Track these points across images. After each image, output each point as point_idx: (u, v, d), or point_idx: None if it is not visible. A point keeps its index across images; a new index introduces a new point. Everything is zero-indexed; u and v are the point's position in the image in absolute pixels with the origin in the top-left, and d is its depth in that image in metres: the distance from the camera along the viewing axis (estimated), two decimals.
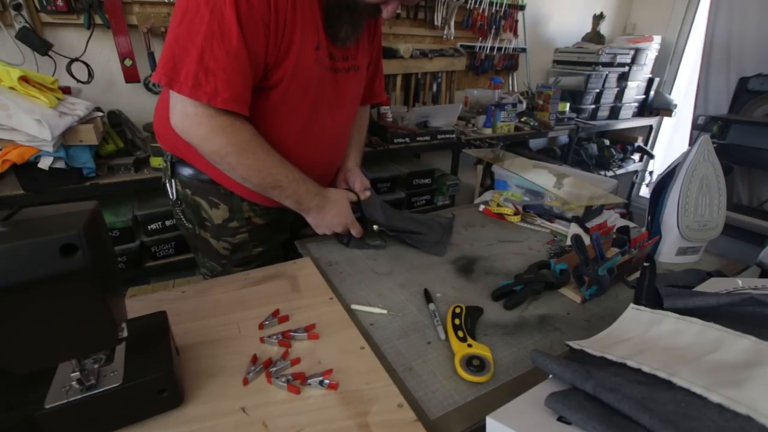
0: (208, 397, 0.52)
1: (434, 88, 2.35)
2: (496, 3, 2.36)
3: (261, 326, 0.65)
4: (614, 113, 2.90)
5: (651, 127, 3.20)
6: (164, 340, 0.51)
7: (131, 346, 0.50)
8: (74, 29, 1.46)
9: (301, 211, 0.90)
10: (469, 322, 0.67)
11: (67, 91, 1.36)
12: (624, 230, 0.92)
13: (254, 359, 0.57)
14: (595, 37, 2.95)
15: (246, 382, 0.54)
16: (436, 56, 2.22)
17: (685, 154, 0.89)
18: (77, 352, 0.43)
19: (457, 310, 0.68)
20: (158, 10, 1.54)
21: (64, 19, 1.42)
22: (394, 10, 0.81)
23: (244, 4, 0.68)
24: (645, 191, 3.35)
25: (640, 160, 3.29)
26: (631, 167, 3.17)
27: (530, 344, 0.65)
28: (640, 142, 3.19)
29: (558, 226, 1.08)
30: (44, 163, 1.20)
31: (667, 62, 3.11)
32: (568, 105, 2.66)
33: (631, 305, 0.58)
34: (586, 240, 0.83)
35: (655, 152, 3.28)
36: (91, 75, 1.51)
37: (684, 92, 3.18)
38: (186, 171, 0.92)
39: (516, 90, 2.76)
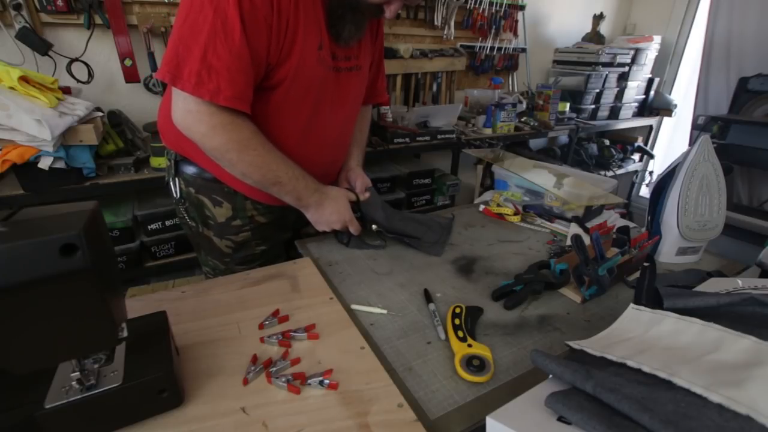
0: (208, 397, 0.52)
1: (434, 88, 2.35)
2: (496, 3, 2.36)
3: (261, 326, 0.65)
4: (614, 113, 2.90)
5: (651, 127, 3.20)
6: (164, 340, 0.51)
7: (131, 346, 0.50)
8: (74, 29, 1.46)
9: (301, 207, 0.90)
10: (469, 322, 0.67)
11: (67, 91, 1.36)
12: (624, 230, 0.92)
13: (254, 359, 0.57)
14: (595, 37, 2.95)
15: (246, 382, 0.54)
16: (436, 56, 2.22)
17: (685, 154, 0.89)
18: (77, 352, 0.43)
19: (457, 310, 0.68)
20: (158, 10, 1.54)
21: (64, 19, 1.42)
22: (397, 9, 0.81)
23: (247, 3, 0.68)
24: (645, 191, 3.35)
25: (640, 160, 3.29)
26: (631, 167, 3.17)
27: (530, 344, 0.65)
28: (640, 142, 3.19)
29: (558, 226, 1.08)
30: (44, 163, 1.20)
31: (667, 62, 3.11)
32: (568, 105, 2.66)
33: (631, 305, 0.58)
34: (586, 240, 0.83)
35: (655, 152, 3.28)
36: (91, 75, 1.51)
37: (684, 92, 3.18)
38: (189, 169, 0.92)
39: (516, 90, 2.76)
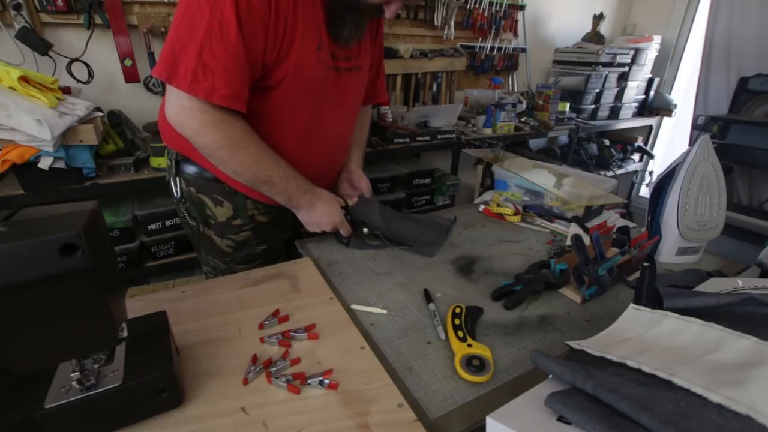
0: (208, 397, 0.52)
1: (434, 88, 2.35)
2: (496, 3, 2.36)
3: (261, 326, 0.65)
4: (614, 113, 2.90)
5: (651, 127, 3.20)
6: (164, 340, 0.51)
7: (131, 346, 0.50)
8: (74, 29, 1.46)
9: (292, 207, 0.91)
10: (469, 322, 0.67)
11: (67, 91, 1.36)
12: (624, 230, 0.92)
13: (254, 359, 0.57)
14: (595, 37, 2.95)
15: (246, 382, 0.54)
16: (436, 56, 2.22)
17: (685, 154, 0.89)
18: (77, 352, 0.43)
19: (457, 310, 0.68)
20: (158, 10, 1.54)
21: (64, 19, 1.42)
22: (396, 10, 0.82)
23: (244, 3, 0.69)
24: (645, 191, 3.35)
25: (640, 160, 3.29)
26: (631, 167, 3.17)
27: (530, 344, 0.65)
28: (640, 142, 3.19)
29: (558, 226, 1.08)
30: (44, 163, 1.20)
31: (667, 62, 3.11)
32: (568, 105, 2.66)
33: (631, 305, 0.58)
34: (586, 240, 0.83)
35: (655, 152, 3.28)
36: (91, 75, 1.51)
37: (684, 92, 3.18)
38: (190, 169, 0.92)
39: (516, 90, 2.76)
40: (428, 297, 0.75)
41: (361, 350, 0.61)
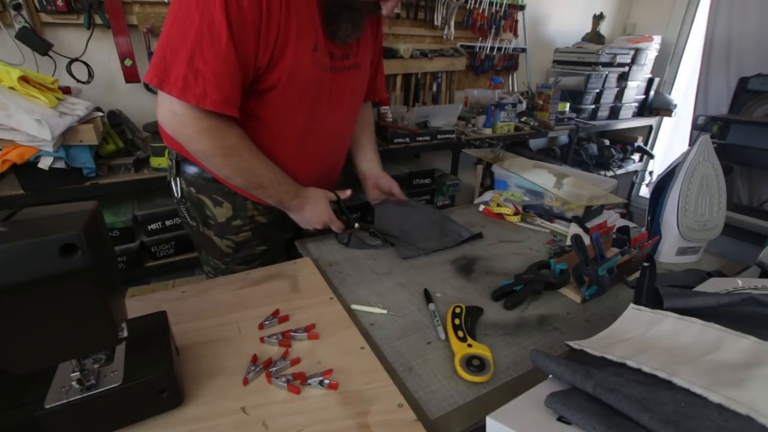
0: (208, 397, 0.52)
1: (434, 88, 2.35)
2: (496, 3, 2.36)
3: (261, 326, 0.65)
4: (614, 113, 2.90)
5: (651, 127, 3.20)
6: (164, 340, 0.51)
7: (131, 346, 0.50)
8: (74, 29, 1.46)
9: (284, 209, 0.92)
10: (469, 322, 0.67)
11: (67, 91, 1.36)
12: (623, 230, 0.92)
13: (254, 359, 0.57)
14: (595, 37, 2.95)
15: (246, 382, 0.54)
16: (436, 56, 2.22)
17: (685, 154, 0.89)
18: (77, 352, 0.43)
19: (457, 310, 0.68)
20: (158, 10, 1.54)
21: (64, 19, 1.42)
22: (393, 7, 0.81)
23: (234, 7, 0.68)
24: (645, 191, 3.35)
25: (640, 160, 3.29)
26: (631, 167, 3.17)
27: (530, 344, 0.65)
28: (640, 142, 3.19)
29: (558, 226, 1.08)
30: (44, 163, 1.20)
31: (667, 62, 3.10)
32: (568, 105, 2.66)
33: (631, 305, 0.58)
34: (586, 240, 0.83)
35: (655, 152, 3.28)
36: (91, 75, 1.51)
37: (684, 92, 3.18)
38: (190, 169, 0.92)
39: (516, 90, 2.76)
40: (428, 297, 0.75)
41: (361, 350, 0.61)
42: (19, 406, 0.42)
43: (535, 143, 2.76)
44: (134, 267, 1.51)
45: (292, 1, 0.75)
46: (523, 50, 2.67)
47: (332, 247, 0.95)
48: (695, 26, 2.96)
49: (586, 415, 0.38)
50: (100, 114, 1.37)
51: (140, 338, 0.51)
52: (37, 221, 0.38)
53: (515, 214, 1.13)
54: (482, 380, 0.57)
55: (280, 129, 0.86)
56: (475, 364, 0.58)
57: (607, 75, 2.69)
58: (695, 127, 2.37)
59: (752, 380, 0.38)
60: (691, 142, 2.09)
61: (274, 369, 0.56)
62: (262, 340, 0.62)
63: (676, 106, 3.05)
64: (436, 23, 2.23)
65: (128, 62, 1.53)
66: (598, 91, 2.73)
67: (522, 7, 2.51)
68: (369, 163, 1.09)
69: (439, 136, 2.01)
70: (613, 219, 1.15)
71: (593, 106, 2.78)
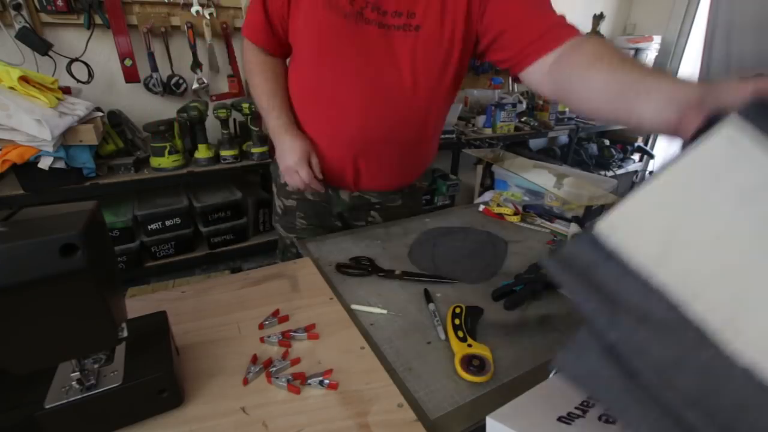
0: (208, 397, 0.52)
1: None
2: None
3: (261, 326, 0.65)
4: None
5: None
6: (164, 340, 0.51)
7: (131, 346, 0.50)
8: (74, 29, 1.46)
9: (274, 142, 0.95)
10: (469, 322, 0.67)
11: (67, 91, 1.36)
12: None
13: (254, 359, 0.57)
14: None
15: (246, 382, 0.54)
16: None
17: None
18: (77, 352, 0.43)
19: (457, 310, 0.68)
20: (158, 10, 1.54)
21: (64, 19, 1.42)
22: None
23: None
24: None
25: (640, 160, 3.29)
26: (631, 167, 3.17)
27: (530, 344, 0.65)
28: (640, 142, 3.19)
29: (558, 226, 1.08)
30: (44, 163, 1.20)
31: (667, 62, 3.10)
32: None
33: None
34: None
35: (655, 152, 3.28)
36: (91, 75, 1.51)
37: None
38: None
39: (516, 90, 2.76)
40: (428, 297, 0.75)
41: (361, 350, 0.61)
42: (19, 406, 0.42)
43: (535, 143, 2.76)
44: (134, 267, 1.51)
45: None
46: None
47: (332, 247, 0.95)
48: (695, 26, 2.96)
49: (605, 384, 0.30)
50: (100, 114, 1.37)
51: (140, 338, 0.51)
52: (37, 221, 0.38)
53: (515, 214, 1.13)
54: (482, 380, 0.57)
55: (296, 83, 0.92)
56: (475, 364, 0.58)
57: None
58: None
59: None
60: None
61: (274, 369, 0.56)
62: (262, 340, 0.62)
63: None
64: None
65: (128, 62, 1.53)
66: None
67: None
68: (664, 92, 0.50)
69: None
70: None
71: None
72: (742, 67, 2.58)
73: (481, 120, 2.25)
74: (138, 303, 0.69)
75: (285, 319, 0.67)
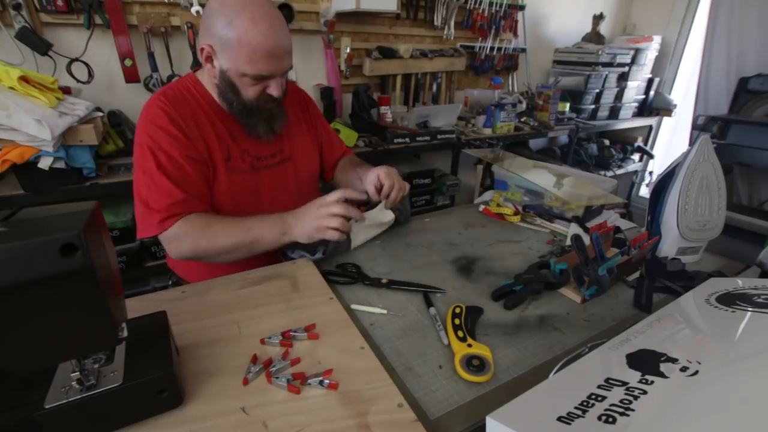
0: (208, 397, 0.52)
1: (434, 88, 2.35)
2: (496, 3, 2.36)
3: (263, 341, 0.63)
4: (614, 113, 2.90)
5: (651, 127, 3.20)
6: (164, 340, 0.51)
7: (131, 346, 0.50)
8: (74, 29, 1.46)
9: (284, 235, 0.85)
10: (469, 322, 0.67)
11: (67, 91, 1.36)
12: (616, 230, 0.92)
13: (254, 359, 0.57)
14: (595, 37, 2.95)
15: (246, 382, 0.54)
16: (436, 56, 2.22)
17: (685, 154, 0.89)
18: (77, 352, 0.43)
19: (457, 310, 0.68)
20: (158, 10, 1.54)
21: (64, 19, 1.42)
22: (279, 86, 0.89)
23: (163, 157, 0.85)
24: (645, 191, 3.35)
25: (640, 160, 3.29)
26: (631, 167, 3.17)
27: (530, 344, 0.65)
28: (640, 142, 3.19)
29: (558, 226, 1.08)
30: (44, 163, 1.20)
31: (667, 62, 3.10)
32: (568, 105, 2.66)
33: None
34: (586, 240, 0.83)
35: (655, 152, 3.28)
36: (91, 75, 1.51)
37: (684, 92, 3.18)
38: None
39: (516, 90, 2.76)
40: (428, 301, 0.75)
41: (361, 350, 0.61)
42: (19, 406, 0.42)
43: (535, 143, 2.76)
44: (134, 267, 1.51)
45: (200, 132, 0.90)
46: (523, 50, 2.67)
47: None
48: (695, 26, 2.96)
49: None
50: (100, 114, 1.37)
51: (140, 338, 0.51)
52: (37, 221, 0.38)
53: (515, 214, 1.13)
54: (482, 380, 0.57)
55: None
56: (475, 364, 0.58)
57: (607, 75, 2.69)
58: (695, 127, 2.37)
59: None
60: (691, 142, 2.09)
61: (274, 369, 0.56)
62: (263, 341, 0.62)
63: (676, 106, 3.05)
64: (436, 23, 2.23)
65: (128, 62, 1.53)
66: (598, 91, 2.73)
67: (522, 7, 2.51)
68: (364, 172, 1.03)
69: (439, 136, 2.01)
70: (613, 219, 1.15)
71: (593, 106, 2.78)
72: (742, 67, 2.59)
73: (480, 120, 2.25)
74: (138, 303, 0.70)
75: (296, 361, 0.60)
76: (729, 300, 0.61)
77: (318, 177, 1.18)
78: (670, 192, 0.89)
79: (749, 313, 0.55)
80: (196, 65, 1.65)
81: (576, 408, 0.41)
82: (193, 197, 0.87)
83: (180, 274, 1.08)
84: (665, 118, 3.19)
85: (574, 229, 1.00)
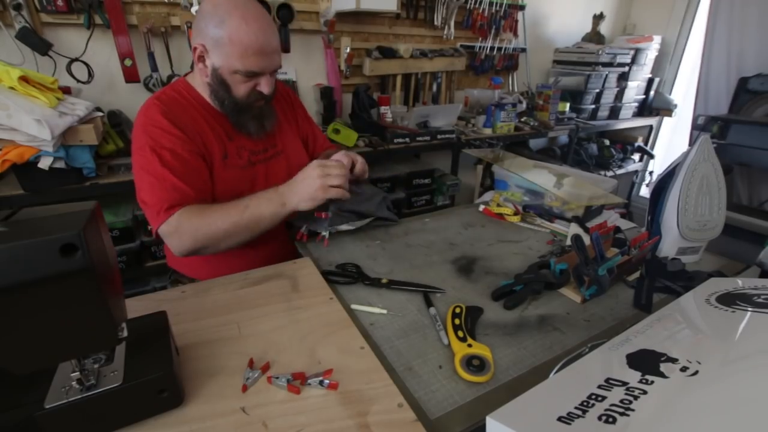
0: (208, 397, 0.52)
1: (434, 88, 2.35)
2: (496, 3, 2.36)
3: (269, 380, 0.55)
4: (614, 113, 2.90)
5: (651, 127, 3.20)
6: (164, 340, 0.51)
7: (131, 346, 0.50)
8: (74, 29, 1.46)
9: (285, 206, 0.88)
10: (469, 322, 0.67)
11: (67, 91, 1.36)
12: (616, 230, 0.92)
13: (251, 363, 0.57)
14: (595, 37, 2.95)
15: (245, 389, 0.53)
16: (436, 56, 2.22)
17: (685, 154, 0.89)
18: (77, 352, 0.43)
19: (457, 310, 0.68)
20: (158, 10, 1.54)
21: (64, 19, 1.42)
22: (269, 84, 0.91)
23: (167, 154, 0.85)
24: (645, 191, 3.35)
25: (640, 160, 3.29)
26: (631, 167, 3.17)
27: (530, 344, 0.65)
28: (640, 142, 3.19)
29: (558, 226, 1.08)
30: (44, 163, 1.20)
31: (667, 62, 3.10)
32: (568, 105, 2.66)
33: None
34: (586, 240, 0.83)
35: (655, 152, 3.28)
36: (91, 75, 1.50)
37: (684, 92, 3.17)
38: None
39: (516, 90, 2.76)
40: (428, 301, 0.75)
41: (361, 350, 0.61)
42: (19, 406, 0.42)
43: (535, 143, 2.76)
44: (134, 267, 1.51)
45: (197, 131, 0.91)
46: (523, 50, 2.67)
47: (332, 247, 0.95)
48: (695, 26, 2.96)
49: None
50: (100, 114, 1.37)
51: (140, 338, 0.51)
52: (37, 221, 0.38)
53: (515, 214, 1.13)
54: (482, 380, 0.57)
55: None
56: (475, 364, 0.58)
57: (607, 75, 2.69)
58: (695, 127, 2.37)
59: None
60: (691, 142, 2.09)
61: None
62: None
63: (676, 106, 3.05)
64: (436, 23, 2.23)
65: (128, 62, 1.53)
66: (598, 91, 2.73)
67: (522, 7, 2.51)
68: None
69: (439, 136, 2.01)
70: (613, 219, 1.15)
71: (593, 106, 2.78)
72: (742, 67, 2.58)
73: (481, 120, 2.25)
74: (138, 303, 0.70)
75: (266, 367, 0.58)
76: (729, 300, 0.61)
77: None
78: (670, 192, 0.89)
79: (749, 313, 0.55)
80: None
81: (576, 408, 0.41)
82: (197, 190, 0.88)
83: (181, 270, 1.09)
84: (665, 118, 3.19)
85: (574, 229, 1.00)
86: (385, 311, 0.71)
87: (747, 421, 0.36)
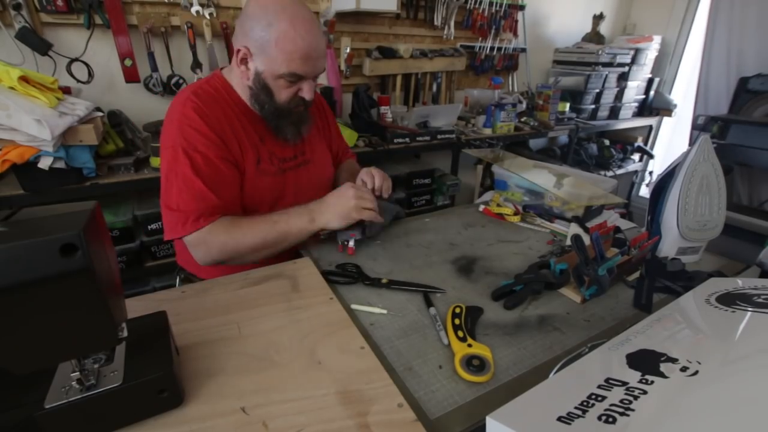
0: (208, 397, 0.52)
1: (434, 88, 2.35)
2: (496, 3, 2.36)
3: None
4: (614, 113, 2.90)
5: (651, 127, 3.20)
6: (164, 340, 0.51)
7: (131, 346, 0.50)
8: (74, 29, 1.46)
9: (312, 222, 0.89)
10: (469, 322, 0.67)
11: (67, 91, 1.36)
12: (616, 230, 0.92)
13: None
14: (595, 37, 2.95)
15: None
16: (436, 56, 2.22)
17: (685, 154, 0.89)
18: (77, 352, 0.43)
19: (457, 310, 0.68)
20: (158, 10, 1.54)
21: (64, 19, 1.42)
22: (311, 89, 0.91)
23: (199, 159, 0.84)
24: (645, 191, 3.35)
25: (640, 160, 3.29)
26: (631, 167, 3.17)
27: (530, 344, 0.65)
28: (640, 142, 3.19)
29: (558, 226, 1.08)
30: (44, 163, 1.20)
31: (667, 62, 3.11)
32: (568, 105, 2.66)
33: None
34: (586, 240, 0.83)
35: (655, 152, 3.28)
36: (91, 75, 1.51)
37: (684, 92, 3.18)
38: None
39: (516, 90, 2.76)
40: (428, 301, 0.75)
41: (361, 350, 0.61)
42: (19, 406, 0.42)
43: (535, 143, 2.76)
44: (134, 267, 1.51)
45: (233, 134, 0.90)
46: (523, 50, 2.67)
47: (332, 247, 0.95)
48: (695, 26, 2.96)
49: None
50: (100, 114, 1.37)
51: (140, 338, 0.51)
52: (37, 221, 0.38)
53: (515, 214, 1.13)
54: (482, 380, 0.57)
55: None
56: (475, 364, 0.58)
57: (607, 75, 2.69)
58: (695, 127, 2.37)
59: None
60: (691, 142, 2.09)
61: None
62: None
63: (676, 106, 3.05)
64: (436, 23, 2.23)
65: (128, 62, 1.53)
66: (598, 91, 2.73)
67: (522, 7, 2.51)
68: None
69: (439, 136, 2.01)
70: (613, 219, 1.15)
71: (593, 106, 2.78)
72: (742, 67, 2.59)
73: (480, 120, 2.25)
74: (138, 303, 0.69)
75: None
76: (729, 300, 0.61)
77: (333, 178, 1.19)
78: (670, 192, 0.89)
79: (749, 313, 0.55)
80: (196, 65, 1.65)
81: (576, 408, 0.41)
82: (226, 201, 0.88)
83: (191, 270, 1.08)
84: (665, 118, 3.19)
85: (574, 229, 1.00)
86: (385, 311, 0.71)
87: (747, 421, 0.36)
